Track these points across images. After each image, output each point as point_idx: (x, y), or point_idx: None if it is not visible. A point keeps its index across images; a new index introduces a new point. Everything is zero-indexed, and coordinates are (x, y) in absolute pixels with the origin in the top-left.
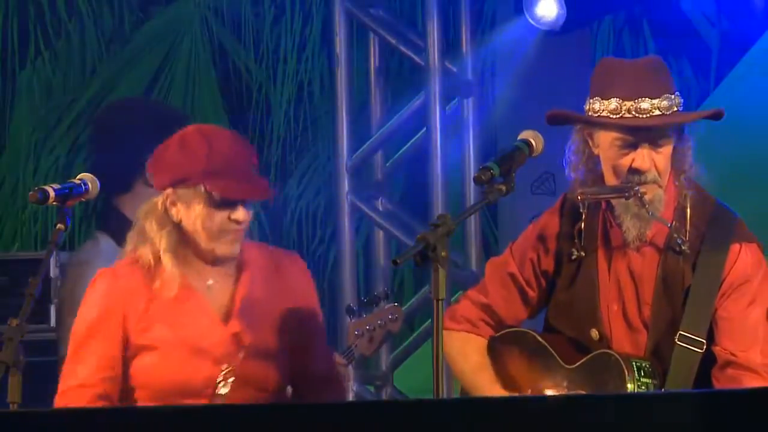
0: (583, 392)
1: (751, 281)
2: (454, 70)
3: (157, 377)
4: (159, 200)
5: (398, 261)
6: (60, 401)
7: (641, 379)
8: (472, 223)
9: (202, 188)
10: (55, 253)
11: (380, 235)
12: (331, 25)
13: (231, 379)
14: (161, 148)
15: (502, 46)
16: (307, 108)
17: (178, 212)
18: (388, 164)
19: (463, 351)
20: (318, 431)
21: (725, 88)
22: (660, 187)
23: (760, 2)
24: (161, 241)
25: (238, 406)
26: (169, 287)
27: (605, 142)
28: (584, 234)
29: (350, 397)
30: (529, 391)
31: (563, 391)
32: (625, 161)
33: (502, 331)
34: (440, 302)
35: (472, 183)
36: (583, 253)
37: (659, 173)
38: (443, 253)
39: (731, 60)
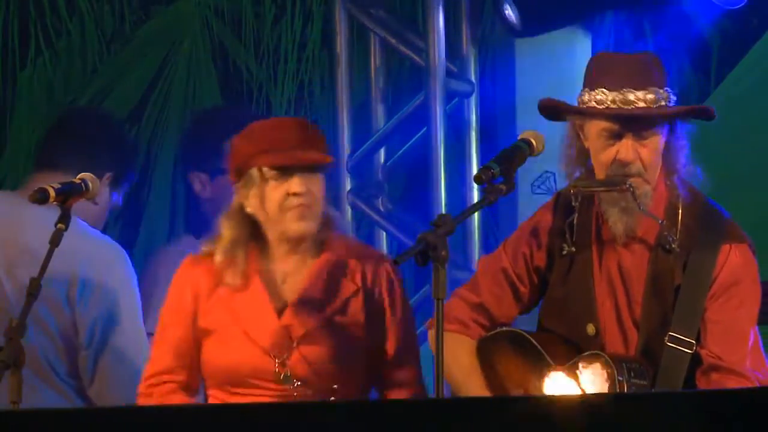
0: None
1: (741, 283)
2: (455, 69)
3: (213, 361)
4: (234, 200)
5: (399, 260)
6: (143, 389)
7: (632, 380)
8: (473, 223)
9: (256, 170)
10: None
11: (381, 234)
12: (332, 25)
13: (287, 374)
14: (227, 147)
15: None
16: (308, 108)
17: (248, 202)
18: (388, 164)
19: (453, 354)
20: (319, 431)
21: (726, 88)
22: (647, 182)
23: (761, 1)
24: (227, 232)
25: (239, 406)
26: (232, 276)
27: (593, 133)
28: (577, 229)
29: None
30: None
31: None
32: (610, 152)
33: (493, 332)
34: (441, 302)
35: (473, 183)
36: (573, 249)
37: (645, 167)
38: (444, 253)
39: (732, 60)
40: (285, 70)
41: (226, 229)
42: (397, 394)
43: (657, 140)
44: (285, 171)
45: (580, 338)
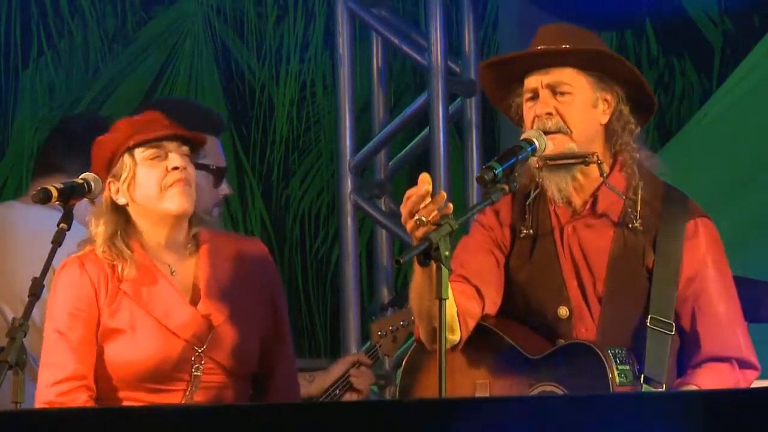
0: (558, 387)
1: (711, 261)
2: (457, 69)
3: (127, 360)
4: (103, 195)
5: (401, 260)
6: (53, 396)
7: (619, 367)
8: None
9: (127, 155)
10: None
11: (383, 234)
12: (334, 25)
13: (203, 362)
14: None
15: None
16: (310, 108)
17: (120, 193)
18: (390, 164)
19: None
20: (318, 431)
21: (728, 88)
22: (573, 141)
23: (762, 1)
24: (103, 228)
25: (238, 406)
26: (129, 269)
27: (524, 104)
28: (536, 212)
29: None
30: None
31: (536, 387)
32: (531, 112)
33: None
34: (443, 302)
35: (475, 183)
36: (531, 231)
37: (566, 122)
38: (446, 253)
39: (734, 59)
40: (287, 70)
41: (101, 225)
42: (278, 372)
43: (578, 97)
44: (159, 149)
45: (548, 321)
